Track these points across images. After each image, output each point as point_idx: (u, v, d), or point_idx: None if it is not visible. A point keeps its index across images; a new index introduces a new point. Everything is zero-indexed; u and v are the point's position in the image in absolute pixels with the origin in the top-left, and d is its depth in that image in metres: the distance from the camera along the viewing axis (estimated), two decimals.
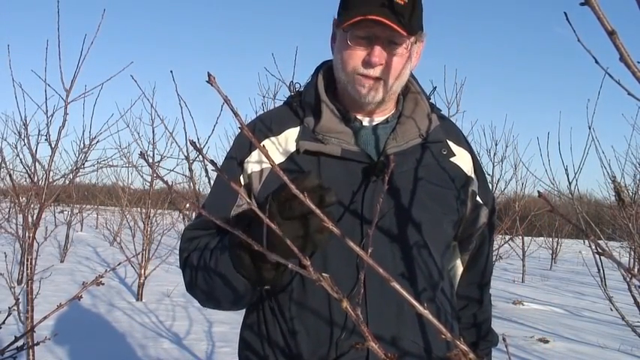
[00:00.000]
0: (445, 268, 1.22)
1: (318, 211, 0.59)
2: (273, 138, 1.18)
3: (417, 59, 1.21)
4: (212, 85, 0.53)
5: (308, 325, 1.09)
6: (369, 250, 0.65)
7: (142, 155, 0.64)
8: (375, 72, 1.12)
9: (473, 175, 1.26)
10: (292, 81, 1.28)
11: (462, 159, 1.25)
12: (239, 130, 1.25)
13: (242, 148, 1.19)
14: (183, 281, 1.17)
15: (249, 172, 1.16)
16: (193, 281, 1.13)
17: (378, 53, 1.11)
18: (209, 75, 0.52)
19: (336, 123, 1.16)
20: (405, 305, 1.08)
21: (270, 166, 1.13)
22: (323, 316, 1.08)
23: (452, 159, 1.22)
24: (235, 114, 0.55)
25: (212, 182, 1.27)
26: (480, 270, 1.34)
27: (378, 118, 1.21)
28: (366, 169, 1.12)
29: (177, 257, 1.22)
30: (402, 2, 1.08)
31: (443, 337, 0.54)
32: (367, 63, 1.12)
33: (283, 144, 1.17)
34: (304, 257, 0.60)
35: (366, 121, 1.20)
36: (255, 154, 1.17)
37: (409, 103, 1.23)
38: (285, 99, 1.29)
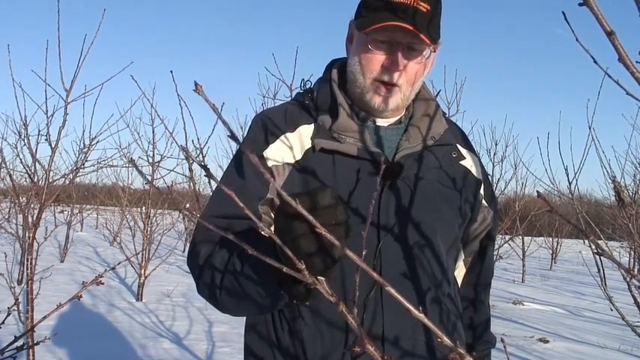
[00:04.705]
0: (452, 269, 1.22)
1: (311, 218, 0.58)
2: (289, 134, 1.15)
3: (431, 68, 1.20)
4: (199, 94, 0.51)
5: (321, 329, 1.06)
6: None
7: (131, 162, 0.62)
8: (393, 79, 1.11)
9: (481, 179, 1.27)
10: (304, 78, 1.25)
11: (471, 162, 1.25)
12: (251, 122, 1.21)
13: (257, 142, 1.15)
14: (195, 271, 1.06)
15: (269, 165, 1.12)
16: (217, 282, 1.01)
17: (399, 60, 1.09)
18: (196, 84, 0.51)
19: (352, 122, 1.15)
20: (420, 309, 1.06)
21: (291, 163, 1.12)
22: (337, 320, 1.06)
23: (462, 162, 1.22)
24: (224, 122, 0.53)
25: (232, 167, 1.17)
26: (482, 272, 1.34)
27: (390, 119, 1.20)
28: (382, 170, 1.11)
29: (184, 254, 1.15)
30: (425, 9, 1.07)
31: (439, 340, 0.54)
32: (386, 69, 1.11)
33: (299, 141, 1.15)
34: (299, 261, 0.59)
35: (379, 122, 1.19)
36: (273, 148, 1.13)
37: (420, 106, 1.23)
38: (295, 96, 1.27)
